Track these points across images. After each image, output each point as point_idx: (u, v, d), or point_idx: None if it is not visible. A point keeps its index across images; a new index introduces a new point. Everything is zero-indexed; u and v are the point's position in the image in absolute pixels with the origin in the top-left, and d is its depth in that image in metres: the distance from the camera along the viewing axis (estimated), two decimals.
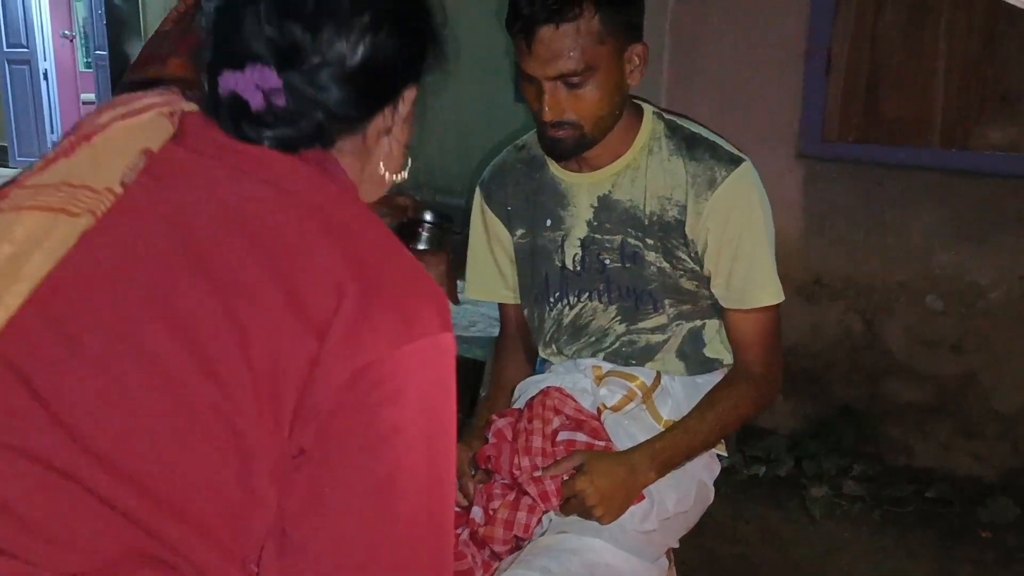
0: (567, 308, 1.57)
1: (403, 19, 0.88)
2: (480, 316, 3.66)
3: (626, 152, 1.49)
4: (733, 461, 2.61)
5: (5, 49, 8.10)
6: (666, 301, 1.52)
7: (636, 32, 1.42)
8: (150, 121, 0.86)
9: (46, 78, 8.17)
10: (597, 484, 1.34)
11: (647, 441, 1.44)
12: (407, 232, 1.35)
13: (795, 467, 2.74)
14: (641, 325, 1.54)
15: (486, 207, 1.63)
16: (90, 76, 8.09)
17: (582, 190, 1.52)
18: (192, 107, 0.89)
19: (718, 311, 1.54)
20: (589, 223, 1.52)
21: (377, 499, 0.76)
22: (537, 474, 1.38)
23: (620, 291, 1.53)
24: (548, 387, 1.51)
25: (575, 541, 1.32)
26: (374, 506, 0.76)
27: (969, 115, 2.68)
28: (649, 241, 1.49)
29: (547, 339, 1.62)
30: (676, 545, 1.50)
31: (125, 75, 1.54)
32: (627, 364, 1.56)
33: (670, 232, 1.48)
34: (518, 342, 1.70)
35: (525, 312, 1.66)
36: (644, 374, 1.55)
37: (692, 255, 1.49)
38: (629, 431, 1.49)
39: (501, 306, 1.71)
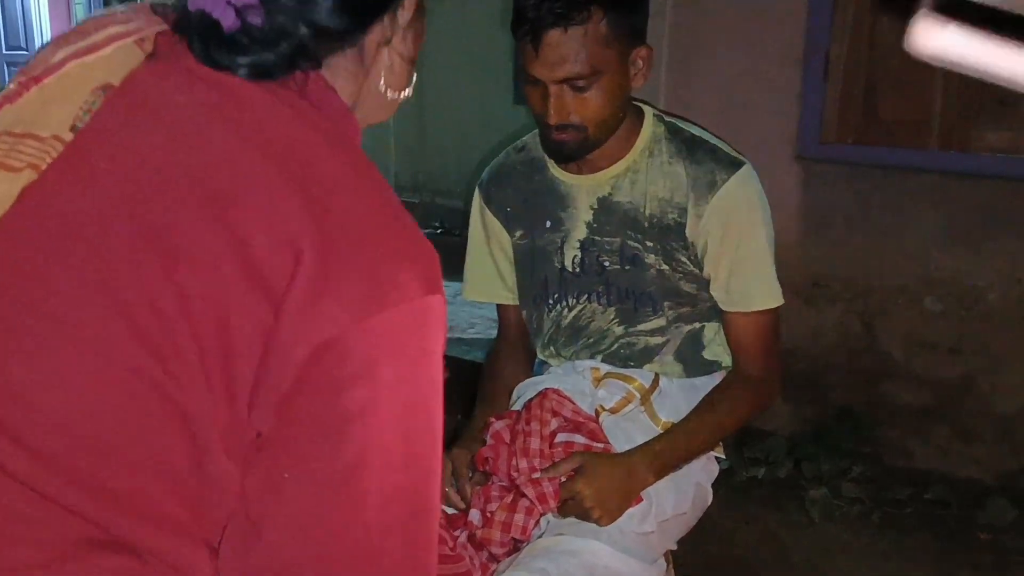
0: (566, 310, 1.57)
1: None
2: (479, 318, 3.65)
3: (626, 154, 1.49)
4: (732, 463, 2.61)
5: (4, 51, 8.10)
6: (665, 303, 1.52)
7: (640, 35, 1.42)
8: (113, 55, 0.74)
9: None
10: (595, 486, 1.34)
11: (645, 443, 1.44)
12: None
13: (794, 469, 2.74)
14: (640, 327, 1.54)
15: (485, 208, 1.63)
16: None
17: (582, 192, 1.53)
18: (165, 27, 0.77)
19: (717, 314, 1.54)
20: (589, 225, 1.53)
21: (341, 485, 0.68)
22: (535, 476, 1.38)
23: (619, 293, 1.53)
24: (546, 389, 1.51)
25: (573, 543, 1.32)
26: (337, 493, 0.68)
27: (967, 117, 2.69)
28: (649, 243, 1.49)
29: (545, 341, 1.62)
30: (674, 547, 1.50)
31: None
32: (625, 366, 1.56)
33: (670, 235, 1.48)
34: (517, 343, 1.70)
35: (524, 314, 1.66)
36: (642, 376, 1.55)
37: (692, 258, 1.49)
38: (627, 433, 1.49)
39: (500, 307, 1.71)
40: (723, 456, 1.62)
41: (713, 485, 1.58)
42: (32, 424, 0.67)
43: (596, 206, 1.52)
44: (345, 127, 0.77)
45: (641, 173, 1.49)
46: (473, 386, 1.68)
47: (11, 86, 0.74)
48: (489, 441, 1.48)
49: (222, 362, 0.66)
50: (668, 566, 1.52)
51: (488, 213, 1.63)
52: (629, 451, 1.43)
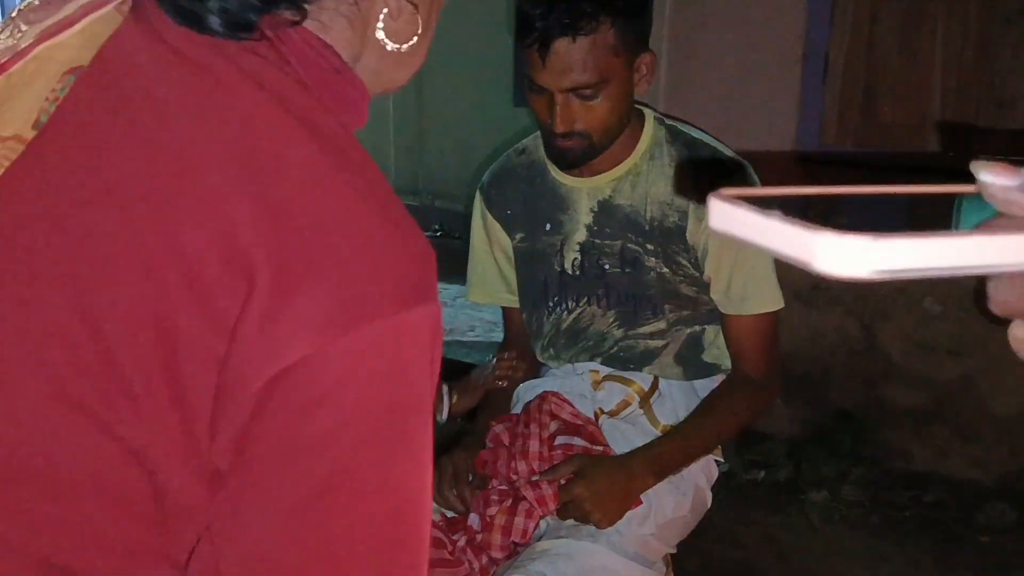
0: (565, 312, 1.57)
1: None
2: (479, 321, 3.65)
3: (627, 157, 1.49)
4: (732, 466, 2.61)
5: None
6: (665, 306, 1.52)
7: (645, 41, 1.42)
8: (86, 28, 0.65)
9: None
10: (594, 489, 1.34)
11: (645, 446, 1.44)
12: None
13: (794, 472, 2.74)
14: (640, 330, 1.54)
15: (486, 211, 1.63)
16: None
17: (582, 195, 1.53)
18: None
19: (717, 317, 1.54)
20: (589, 228, 1.53)
21: (304, 516, 0.61)
22: (534, 479, 1.38)
23: (619, 296, 1.53)
24: (545, 391, 1.51)
25: (572, 546, 1.32)
26: (299, 525, 0.61)
27: (966, 119, 2.69)
28: (649, 246, 1.49)
29: (545, 343, 1.62)
30: (674, 550, 1.50)
31: None
32: (625, 369, 1.56)
33: (670, 238, 1.48)
34: (522, 346, 1.70)
35: (524, 316, 1.66)
36: (642, 379, 1.55)
37: (692, 261, 1.49)
38: (627, 436, 1.49)
39: (504, 310, 1.72)
40: (722, 459, 1.62)
41: (713, 488, 1.58)
42: None
43: (596, 209, 1.52)
44: (342, 89, 0.66)
45: (642, 176, 1.49)
46: None
47: None
48: (489, 444, 1.48)
49: (171, 393, 0.59)
50: (667, 569, 1.52)
51: (489, 216, 1.63)
52: (628, 454, 1.43)
